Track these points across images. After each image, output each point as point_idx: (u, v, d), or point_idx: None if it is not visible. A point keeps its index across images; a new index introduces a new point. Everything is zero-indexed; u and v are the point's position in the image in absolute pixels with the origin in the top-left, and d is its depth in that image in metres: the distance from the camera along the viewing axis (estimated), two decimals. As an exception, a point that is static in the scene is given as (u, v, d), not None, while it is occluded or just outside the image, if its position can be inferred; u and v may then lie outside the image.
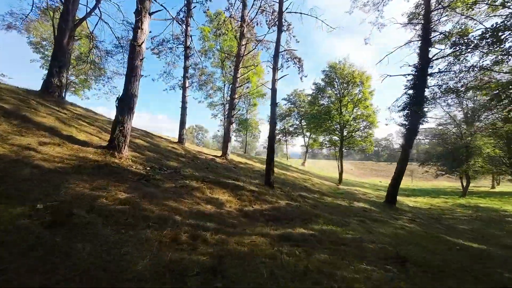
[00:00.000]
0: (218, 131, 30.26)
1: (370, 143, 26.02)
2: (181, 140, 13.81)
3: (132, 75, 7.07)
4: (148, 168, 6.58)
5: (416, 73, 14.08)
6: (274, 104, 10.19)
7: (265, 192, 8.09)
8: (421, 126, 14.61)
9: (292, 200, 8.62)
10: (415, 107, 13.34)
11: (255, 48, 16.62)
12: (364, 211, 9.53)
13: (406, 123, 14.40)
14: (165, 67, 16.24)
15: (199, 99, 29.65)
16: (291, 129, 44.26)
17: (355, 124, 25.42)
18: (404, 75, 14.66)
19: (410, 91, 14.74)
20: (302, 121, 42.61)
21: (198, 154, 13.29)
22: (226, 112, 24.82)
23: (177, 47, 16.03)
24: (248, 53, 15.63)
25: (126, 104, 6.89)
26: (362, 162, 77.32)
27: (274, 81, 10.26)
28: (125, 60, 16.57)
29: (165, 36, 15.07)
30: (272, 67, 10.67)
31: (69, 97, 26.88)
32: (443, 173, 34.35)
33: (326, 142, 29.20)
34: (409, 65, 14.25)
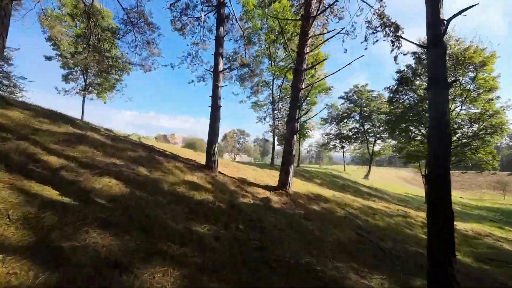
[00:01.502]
0: (267, 140, 23.60)
1: (491, 155, 17.09)
2: (210, 163, 7.93)
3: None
4: None
5: None
6: None
7: None
8: None
9: None
10: None
11: (325, 10, 10.09)
12: None
13: None
14: (191, 46, 10.77)
15: (240, 97, 23.68)
16: (350, 133, 36.20)
17: (470, 127, 16.96)
18: None
19: None
20: (365, 124, 34.33)
21: (240, 190, 7.30)
22: (286, 114, 18.55)
23: (208, 16, 10.45)
24: (324, 10, 9.20)
25: None
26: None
27: None
28: (137, 43, 11.65)
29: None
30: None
31: (91, 102, 23.69)
32: None
33: (411, 151, 20.88)
34: None
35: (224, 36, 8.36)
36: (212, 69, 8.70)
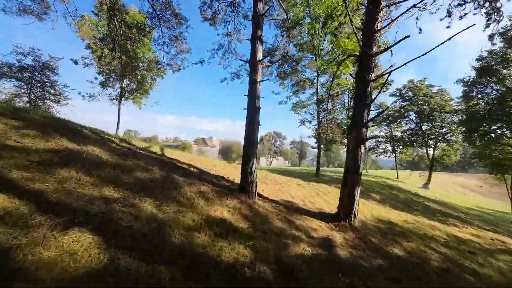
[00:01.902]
0: (312, 147, 20.53)
1: None
2: (247, 186, 5.88)
3: None
4: None
5: None
6: None
7: None
8: None
9: None
10: None
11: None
12: None
13: None
14: (222, 37, 8.96)
15: (280, 97, 21.31)
16: (403, 136, 31.43)
17: None
18: None
19: None
20: (424, 124, 29.45)
21: (288, 226, 5.14)
22: (335, 116, 15.87)
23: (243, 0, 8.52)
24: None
25: None
26: (494, 176, 53.98)
27: None
28: (165, 39, 10.30)
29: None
30: None
31: (125, 108, 23.28)
32: None
33: (498, 158, 16.39)
34: None
35: (264, 14, 6.29)
36: (248, 61, 6.68)
